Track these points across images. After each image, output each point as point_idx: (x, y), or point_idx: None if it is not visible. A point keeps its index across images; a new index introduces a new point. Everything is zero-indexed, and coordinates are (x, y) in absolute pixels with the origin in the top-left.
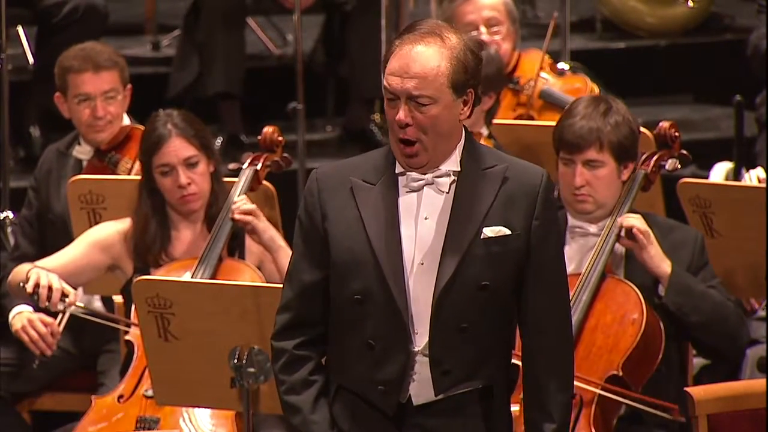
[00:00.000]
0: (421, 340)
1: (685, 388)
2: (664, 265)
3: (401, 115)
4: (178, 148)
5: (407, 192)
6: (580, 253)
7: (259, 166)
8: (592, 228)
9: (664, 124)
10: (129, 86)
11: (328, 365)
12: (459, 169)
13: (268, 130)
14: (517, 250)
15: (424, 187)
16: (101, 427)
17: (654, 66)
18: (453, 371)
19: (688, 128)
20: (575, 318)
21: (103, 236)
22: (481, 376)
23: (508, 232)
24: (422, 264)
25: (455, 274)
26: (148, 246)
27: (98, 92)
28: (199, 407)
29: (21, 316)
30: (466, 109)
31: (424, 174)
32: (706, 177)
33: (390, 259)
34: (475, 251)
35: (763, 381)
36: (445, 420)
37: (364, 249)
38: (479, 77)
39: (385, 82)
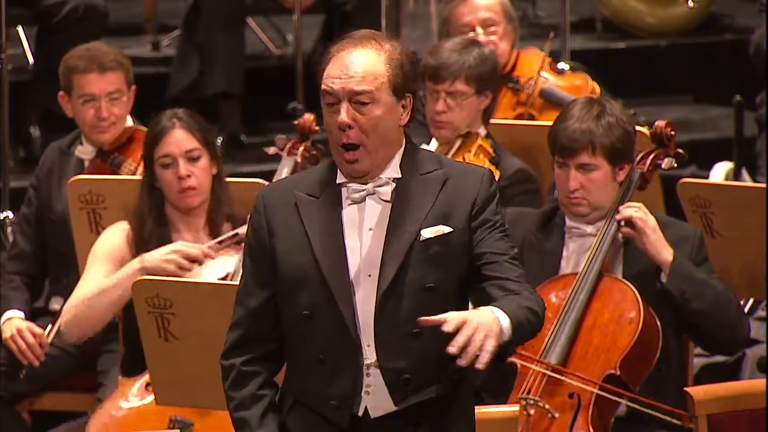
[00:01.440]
0: (372, 352)
1: (685, 388)
2: (665, 252)
3: (343, 115)
4: (180, 139)
5: (350, 204)
6: (578, 254)
7: (299, 157)
8: (589, 228)
9: (660, 123)
10: (133, 87)
11: (286, 380)
12: (399, 176)
13: (308, 116)
14: (462, 244)
15: (366, 198)
16: (129, 421)
17: (654, 66)
18: (413, 379)
19: (688, 128)
20: (573, 317)
21: (114, 248)
22: (443, 381)
23: (448, 229)
24: (369, 276)
25: (395, 279)
26: (146, 244)
27: (103, 93)
28: (199, 407)
29: (11, 323)
30: (405, 115)
31: (365, 184)
32: (706, 177)
33: (335, 274)
34: (415, 255)
35: (763, 381)
36: (402, 424)
37: (310, 264)
38: (417, 84)
39: (324, 87)
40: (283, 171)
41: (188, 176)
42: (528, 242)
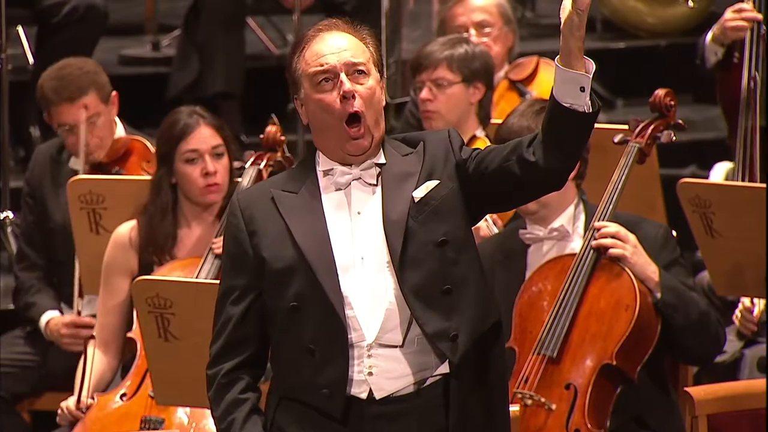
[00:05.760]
0: (372, 332)
1: (685, 388)
2: (649, 270)
3: (347, 83)
4: (206, 136)
5: (335, 190)
6: (539, 260)
7: (262, 165)
8: (541, 232)
9: (660, 92)
10: (114, 93)
11: (271, 384)
12: (384, 161)
13: (270, 129)
14: (454, 191)
15: (351, 183)
16: (105, 425)
17: (654, 66)
18: (460, 332)
19: (688, 128)
20: (571, 303)
21: (119, 263)
22: (488, 322)
23: (436, 182)
24: (363, 258)
25: (407, 247)
26: (161, 244)
27: (79, 121)
28: (199, 408)
29: (49, 327)
30: (384, 96)
31: (351, 169)
32: (706, 177)
33: (321, 261)
34: (416, 217)
35: (763, 381)
36: (408, 406)
37: (294, 255)
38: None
39: (315, 68)
40: (245, 181)
41: (215, 172)
42: (494, 262)
